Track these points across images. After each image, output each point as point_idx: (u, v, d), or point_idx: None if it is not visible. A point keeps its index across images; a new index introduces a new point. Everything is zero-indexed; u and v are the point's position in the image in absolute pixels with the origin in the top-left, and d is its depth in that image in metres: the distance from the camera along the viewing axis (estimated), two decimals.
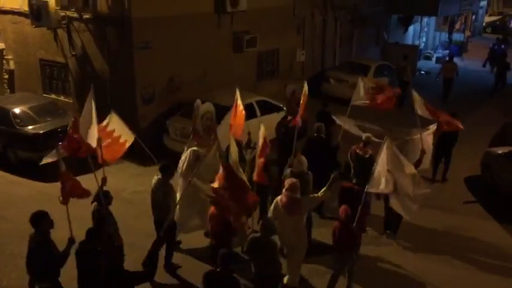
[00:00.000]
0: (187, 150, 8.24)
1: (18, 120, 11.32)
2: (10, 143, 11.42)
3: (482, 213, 9.99)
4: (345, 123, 9.49)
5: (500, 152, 10.93)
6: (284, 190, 6.90)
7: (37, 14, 12.25)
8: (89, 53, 12.50)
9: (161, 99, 12.60)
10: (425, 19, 25.75)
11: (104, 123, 7.98)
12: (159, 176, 7.46)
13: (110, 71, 12.24)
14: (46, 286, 5.92)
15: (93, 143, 7.09)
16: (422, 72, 21.77)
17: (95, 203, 6.92)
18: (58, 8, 12.23)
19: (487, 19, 35.88)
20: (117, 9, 11.55)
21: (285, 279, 7.18)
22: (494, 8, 40.20)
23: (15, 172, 11.14)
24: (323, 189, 7.03)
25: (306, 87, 9.33)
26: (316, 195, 7.13)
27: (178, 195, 7.74)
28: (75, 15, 12.25)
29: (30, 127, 11.21)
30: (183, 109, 12.08)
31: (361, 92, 9.54)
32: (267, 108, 12.54)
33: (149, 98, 12.32)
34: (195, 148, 8.16)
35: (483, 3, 33.49)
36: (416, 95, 8.70)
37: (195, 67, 13.21)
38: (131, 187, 10.65)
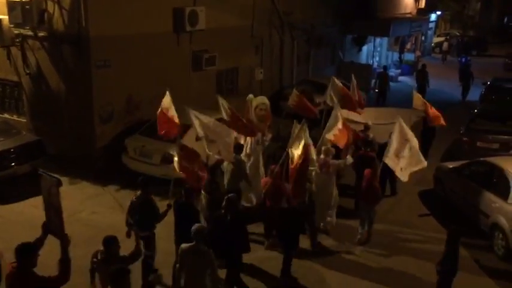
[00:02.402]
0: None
1: None
2: None
3: (437, 227, 10.33)
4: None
5: (451, 166, 11.42)
6: (321, 154, 9.57)
7: None
8: (44, 71, 12.24)
9: (120, 118, 12.45)
10: (377, 39, 26.74)
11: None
12: (139, 192, 7.40)
13: (66, 89, 12.02)
14: None
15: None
16: (377, 90, 22.49)
17: None
18: (12, 25, 11.95)
19: (436, 39, 37.63)
20: (73, 27, 11.41)
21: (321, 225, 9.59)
22: (442, 29, 42.23)
23: None
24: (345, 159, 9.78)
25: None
26: (340, 161, 9.77)
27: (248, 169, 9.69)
28: (30, 33, 12.00)
29: None
30: (142, 128, 11.99)
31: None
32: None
33: (107, 117, 12.15)
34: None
35: (432, 25, 35.17)
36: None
37: (154, 85, 13.12)
38: (88, 208, 10.40)
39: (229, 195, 7.40)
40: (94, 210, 10.25)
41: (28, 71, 12.47)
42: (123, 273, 5.05)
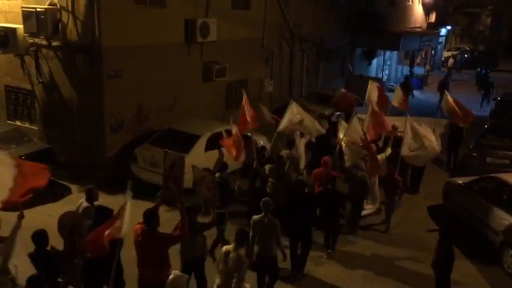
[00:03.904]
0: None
1: None
2: None
3: None
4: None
5: (460, 182, 11.36)
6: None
7: (4, 40, 12.12)
8: (57, 80, 12.39)
9: (129, 128, 12.55)
10: (387, 53, 26.78)
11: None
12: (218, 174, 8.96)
13: (78, 98, 12.14)
14: None
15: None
16: None
17: None
18: (26, 35, 12.14)
19: (446, 54, 37.56)
20: (87, 37, 11.57)
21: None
22: (453, 43, 42.22)
23: None
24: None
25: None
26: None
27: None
28: (44, 42, 12.18)
29: None
30: (152, 137, 12.07)
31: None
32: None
33: (117, 126, 12.26)
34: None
35: (442, 39, 35.15)
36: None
37: (165, 96, 13.27)
38: None
39: (298, 177, 9.32)
40: None
41: (41, 80, 12.63)
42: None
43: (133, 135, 12.58)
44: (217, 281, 6.55)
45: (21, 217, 6.01)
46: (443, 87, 21.34)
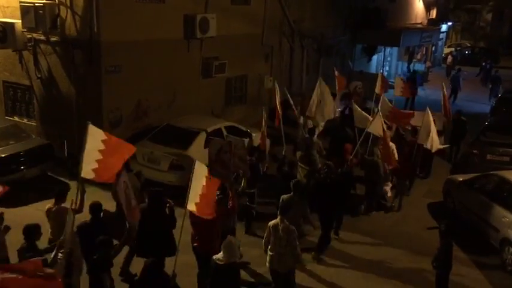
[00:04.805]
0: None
1: None
2: None
3: None
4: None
5: (460, 179, 11.31)
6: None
7: (2, 35, 12.03)
8: (55, 75, 12.32)
9: (128, 124, 12.49)
10: (388, 49, 26.68)
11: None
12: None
13: (76, 94, 12.08)
14: None
15: None
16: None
17: None
18: (25, 30, 12.06)
19: (446, 50, 37.44)
20: (85, 32, 11.49)
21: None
22: (453, 40, 42.10)
23: None
24: None
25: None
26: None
27: None
28: (42, 37, 12.10)
29: None
30: (151, 133, 12.01)
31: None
32: (235, 134, 12.60)
33: (116, 122, 12.20)
34: None
35: (442, 36, 35.02)
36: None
37: (164, 92, 13.20)
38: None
39: (327, 162, 9.90)
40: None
41: (39, 75, 12.56)
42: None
43: (132, 131, 12.51)
44: (270, 252, 7.26)
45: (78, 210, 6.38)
46: (454, 84, 22.41)
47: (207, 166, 7.19)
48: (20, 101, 13.43)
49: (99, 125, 11.72)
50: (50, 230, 7.33)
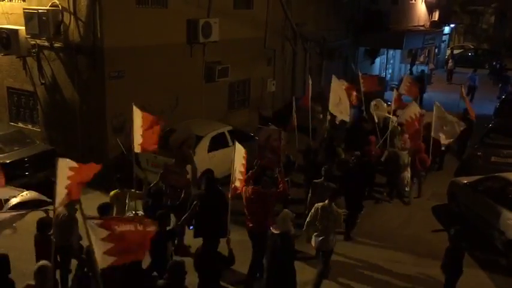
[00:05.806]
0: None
1: None
2: None
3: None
4: None
5: (465, 181, 11.27)
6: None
7: (6, 42, 12.12)
8: (59, 81, 12.38)
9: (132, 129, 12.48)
10: (390, 52, 26.66)
11: None
12: None
13: (80, 99, 12.13)
14: None
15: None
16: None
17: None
18: (28, 36, 12.13)
19: (449, 52, 37.28)
20: (89, 38, 11.55)
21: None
22: (456, 42, 42.01)
23: None
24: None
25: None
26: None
27: None
28: (46, 43, 12.17)
29: None
30: None
31: None
32: (238, 138, 12.58)
33: (120, 127, 12.23)
34: None
35: (445, 38, 34.94)
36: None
37: (167, 96, 13.23)
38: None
39: (355, 152, 10.68)
40: None
41: (43, 81, 12.63)
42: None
43: None
44: (315, 233, 7.89)
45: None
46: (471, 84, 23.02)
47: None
48: (24, 107, 13.50)
49: (102, 130, 11.90)
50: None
